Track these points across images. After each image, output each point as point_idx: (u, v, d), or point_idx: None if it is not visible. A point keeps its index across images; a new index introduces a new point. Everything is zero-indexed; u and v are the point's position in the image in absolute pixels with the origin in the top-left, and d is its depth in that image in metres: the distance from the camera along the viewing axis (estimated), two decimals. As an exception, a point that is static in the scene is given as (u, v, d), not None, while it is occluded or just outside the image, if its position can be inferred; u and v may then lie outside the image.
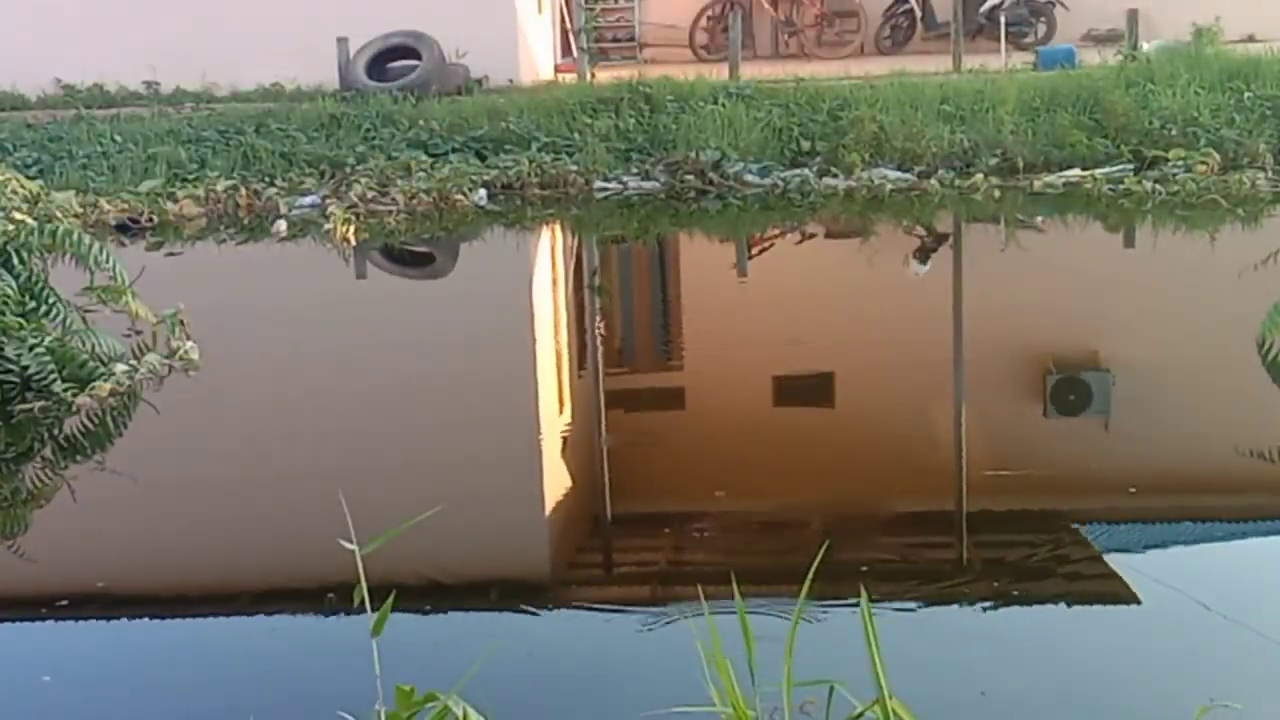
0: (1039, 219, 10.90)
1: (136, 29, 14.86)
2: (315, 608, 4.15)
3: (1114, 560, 4.39)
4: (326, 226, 10.63)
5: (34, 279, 6.62)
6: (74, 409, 6.16)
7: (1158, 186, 11.06)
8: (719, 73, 14.10)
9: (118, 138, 12.74)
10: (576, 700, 3.60)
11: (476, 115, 12.87)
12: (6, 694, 3.81)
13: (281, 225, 11.11)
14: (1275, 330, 6.29)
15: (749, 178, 11.92)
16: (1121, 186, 11.24)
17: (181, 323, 6.87)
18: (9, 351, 6.17)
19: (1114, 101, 12.11)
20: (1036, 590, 4.22)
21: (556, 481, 5.62)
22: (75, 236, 6.67)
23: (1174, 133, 11.74)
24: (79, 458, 5.84)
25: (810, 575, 2.73)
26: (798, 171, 11.96)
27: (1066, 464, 5.51)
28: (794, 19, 18.03)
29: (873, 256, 10.08)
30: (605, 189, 12.02)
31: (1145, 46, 13.81)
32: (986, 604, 4.13)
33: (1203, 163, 11.30)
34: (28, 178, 7.85)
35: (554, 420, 6.39)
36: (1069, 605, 4.11)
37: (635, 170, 12.21)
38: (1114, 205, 10.99)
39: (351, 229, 10.37)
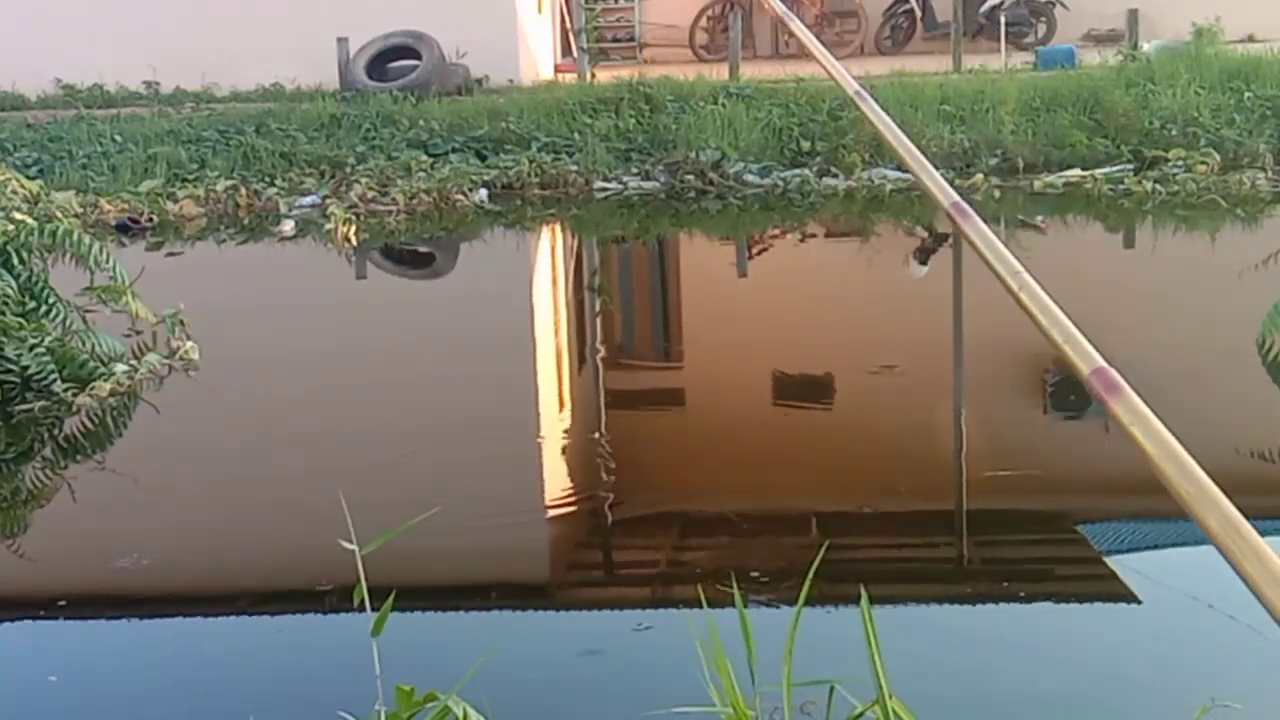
0: (1039, 219, 10.90)
1: (136, 29, 14.86)
2: (315, 608, 4.15)
3: (1114, 560, 4.39)
4: (327, 227, 10.63)
5: (34, 279, 6.62)
6: (74, 409, 6.15)
7: (1158, 186, 11.06)
8: (719, 73, 14.10)
9: (118, 138, 12.74)
10: (576, 700, 3.59)
11: (476, 115, 12.87)
12: (12, 693, 3.81)
13: (287, 225, 11.11)
14: (1276, 331, 6.29)
15: (749, 178, 11.92)
16: (1121, 186, 11.24)
17: (181, 323, 6.87)
18: (9, 351, 6.17)
19: (1114, 101, 12.12)
20: (1036, 590, 4.22)
21: (556, 481, 5.62)
22: (75, 236, 6.67)
23: (1174, 133, 11.75)
24: (79, 458, 5.84)
25: (810, 575, 2.73)
26: (798, 171, 11.96)
27: (1066, 464, 5.51)
28: (794, 19, 18.01)
29: (873, 257, 10.08)
30: (605, 189, 12.01)
31: (1145, 46, 13.82)
32: (986, 604, 4.14)
33: (1203, 163, 11.30)
34: (28, 178, 7.86)
35: (554, 420, 6.39)
36: (1069, 605, 4.11)
37: (635, 170, 12.21)
38: (1114, 205, 10.98)
39: (352, 229, 10.36)
